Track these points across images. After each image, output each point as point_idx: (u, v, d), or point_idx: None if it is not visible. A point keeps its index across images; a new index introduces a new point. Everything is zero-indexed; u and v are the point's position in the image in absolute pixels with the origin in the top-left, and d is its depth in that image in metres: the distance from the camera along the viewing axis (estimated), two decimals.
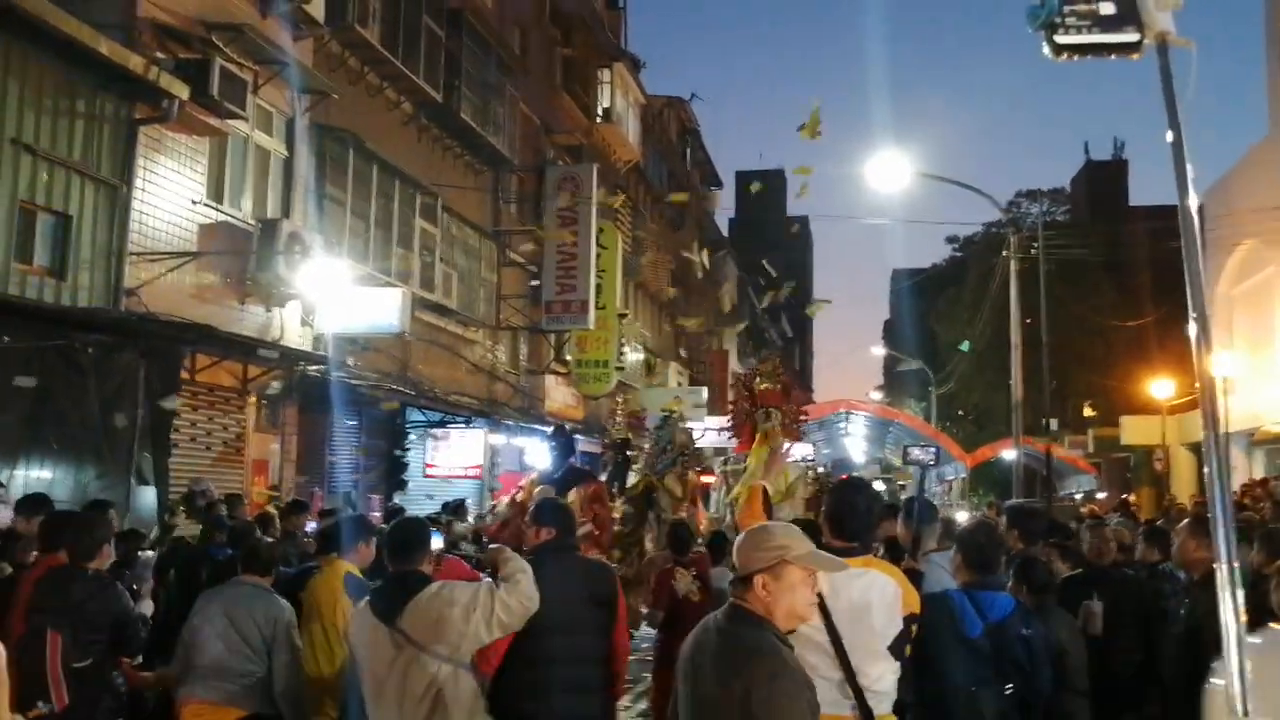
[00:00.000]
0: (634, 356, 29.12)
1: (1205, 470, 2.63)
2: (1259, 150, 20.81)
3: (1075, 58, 2.88)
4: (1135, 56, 2.85)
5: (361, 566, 6.03)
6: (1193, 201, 2.85)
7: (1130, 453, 31.54)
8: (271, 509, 11.00)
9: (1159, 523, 10.48)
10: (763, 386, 9.06)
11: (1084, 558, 6.92)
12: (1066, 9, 2.84)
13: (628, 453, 11.00)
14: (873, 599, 3.80)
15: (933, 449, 20.08)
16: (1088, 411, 39.43)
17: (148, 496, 10.18)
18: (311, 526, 9.67)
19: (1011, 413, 22.08)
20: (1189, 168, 2.83)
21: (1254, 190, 19.29)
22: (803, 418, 9.85)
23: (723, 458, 17.95)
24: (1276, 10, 19.64)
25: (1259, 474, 20.34)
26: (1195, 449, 26.47)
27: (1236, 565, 2.59)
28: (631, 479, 10.54)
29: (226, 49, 12.11)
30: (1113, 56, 2.86)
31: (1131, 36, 2.81)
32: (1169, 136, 2.82)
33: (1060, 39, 2.85)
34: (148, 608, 6.89)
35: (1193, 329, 2.76)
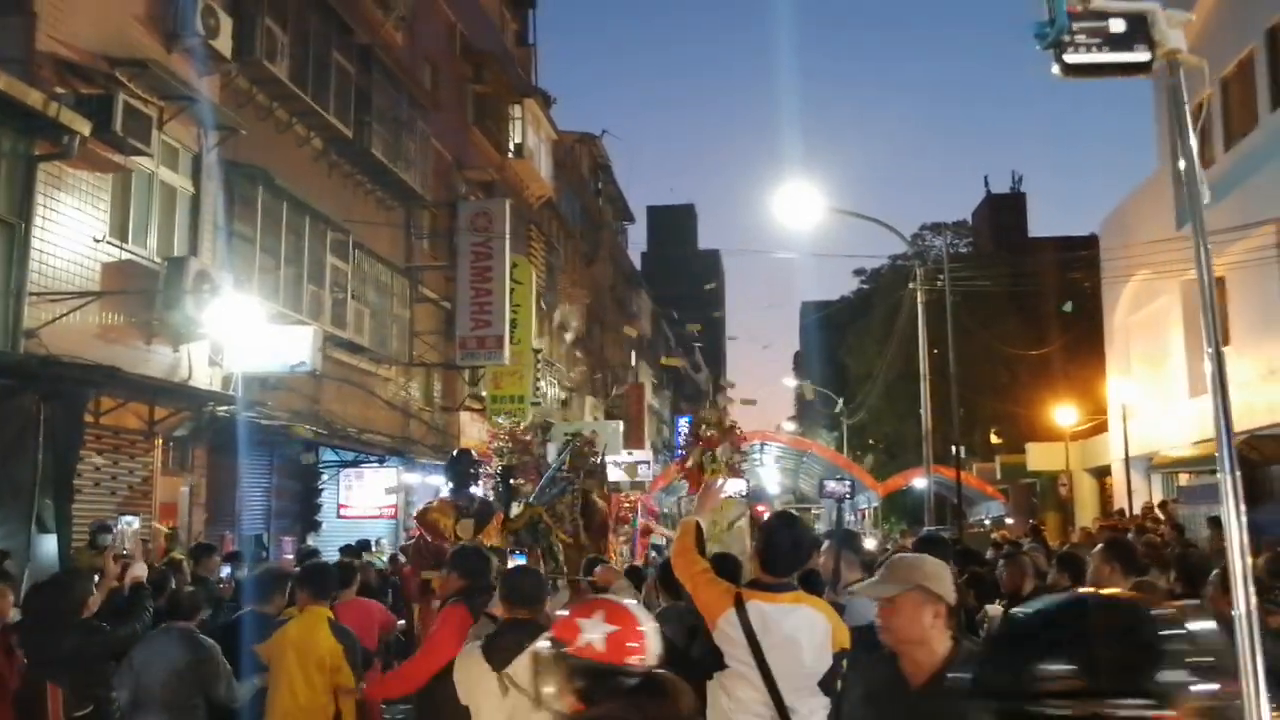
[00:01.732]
0: (550, 391, 29.04)
1: (1223, 509, 2.48)
2: (1149, 184, 21.48)
3: (1085, 78, 2.76)
4: (1146, 76, 2.76)
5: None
6: (1204, 209, 2.67)
7: (1036, 478, 32.21)
8: (178, 554, 10.70)
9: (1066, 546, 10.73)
10: (709, 433, 9.25)
11: (998, 588, 7.03)
12: (1076, 26, 2.70)
13: (510, 480, 10.39)
14: (802, 635, 3.82)
15: (848, 481, 20.24)
16: (994, 439, 40.21)
17: (49, 545, 9.81)
18: (226, 571, 9.44)
19: (922, 441, 22.42)
20: (1204, 193, 2.69)
21: (1146, 223, 19.92)
22: (741, 463, 10.13)
23: (674, 498, 17.91)
24: None
25: (1158, 497, 20.93)
26: (1097, 473, 27.18)
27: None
28: (515, 509, 9.94)
29: (130, 84, 11.86)
30: (1123, 76, 2.76)
31: (1143, 55, 2.72)
32: (1180, 162, 2.74)
33: (1070, 58, 2.73)
34: None
35: (1208, 366, 2.63)
